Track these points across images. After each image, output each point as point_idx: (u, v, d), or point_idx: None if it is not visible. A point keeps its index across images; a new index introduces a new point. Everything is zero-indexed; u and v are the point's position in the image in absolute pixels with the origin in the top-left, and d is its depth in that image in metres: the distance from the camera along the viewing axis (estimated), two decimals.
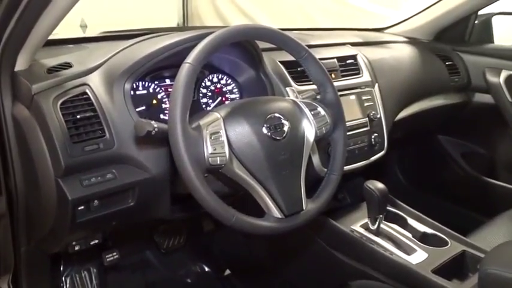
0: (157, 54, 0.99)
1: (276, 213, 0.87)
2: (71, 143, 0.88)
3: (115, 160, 0.93)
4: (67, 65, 1.00)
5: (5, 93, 0.94)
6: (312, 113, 0.97)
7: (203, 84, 1.21)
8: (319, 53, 1.27)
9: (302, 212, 0.91)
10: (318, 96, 1.06)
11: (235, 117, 0.87)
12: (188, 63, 0.82)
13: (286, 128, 0.91)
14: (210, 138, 0.83)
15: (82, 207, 0.92)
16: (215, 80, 1.23)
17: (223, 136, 0.84)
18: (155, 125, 0.85)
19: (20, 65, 0.95)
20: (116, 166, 0.94)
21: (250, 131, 0.87)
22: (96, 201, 0.93)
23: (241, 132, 0.86)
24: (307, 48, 0.99)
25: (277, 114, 0.91)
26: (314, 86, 1.13)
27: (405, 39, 1.83)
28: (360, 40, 1.61)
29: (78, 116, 0.91)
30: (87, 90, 0.94)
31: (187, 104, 0.81)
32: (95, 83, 0.96)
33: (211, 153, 0.82)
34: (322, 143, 1.16)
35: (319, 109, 0.98)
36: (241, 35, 0.93)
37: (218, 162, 0.83)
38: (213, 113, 0.88)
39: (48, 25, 0.89)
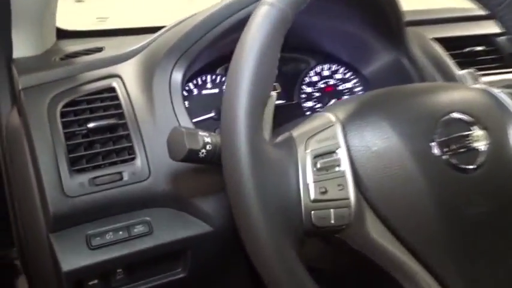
0: (221, 17, 0.58)
1: None
2: (68, 172, 0.50)
3: (150, 201, 0.54)
4: (96, 50, 0.65)
5: (2, 91, 0.61)
6: None
7: (306, 79, 0.78)
8: None
9: None
10: None
11: (371, 121, 0.42)
12: (268, 3, 0.40)
13: (481, 145, 0.42)
14: (315, 165, 0.38)
15: (94, 281, 0.53)
16: (326, 73, 0.79)
17: (345, 162, 0.39)
18: (208, 139, 0.43)
19: (22, 50, 0.62)
20: (152, 212, 0.54)
21: (405, 149, 0.40)
22: (120, 271, 0.54)
23: (385, 152, 0.40)
24: None
25: (459, 115, 0.43)
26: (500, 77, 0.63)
27: None
28: None
29: (91, 125, 0.53)
30: (116, 85, 0.57)
31: (264, 88, 0.38)
32: (130, 74, 0.59)
33: (316, 200, 0.37)
34: None
35: None
36: None
37: (333, 220, 0.37)
38: (322, 115, 0.44)
39: None
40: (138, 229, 0.53)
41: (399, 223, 0.39)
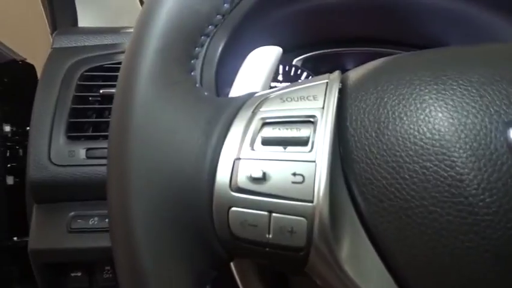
0: None
1: None
2: (61, 137, 0.44)
3: None
4: None
5: None
6: None
7: None
8: None
9: None
10: None
11: (399, 84, 0.23)
12: None
13: None
14: (259, 134, 0.22)
15: (77, 273, 0.45)
16: None
17: (323, 139, 0.21)
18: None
19: (91, 20, 0.60)
20: None
21: (452, 134, 0.20)
22: (108, 269, 0.45)
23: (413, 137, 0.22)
24: None
25: None
26: None
27: None
28: None
29: (103, 91, 0.47)
30: None
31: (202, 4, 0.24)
32: None
33: (242, 190, 0.21)
34: None
35: None
36: None
37: (270, 234, 0.21)
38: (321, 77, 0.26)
39: None
40: None
41: (418, 272, 0.20)
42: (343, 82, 0.24)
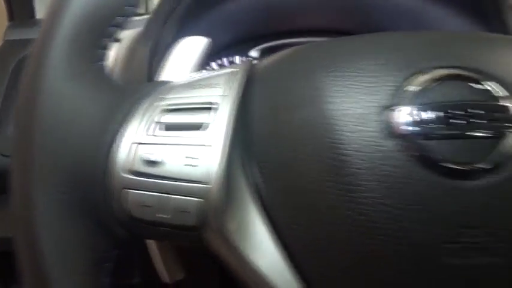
0: None
1: None
2: (8, 130, 0.44)
3: None
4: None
5: None
6: None
7: None
8: None
9: None
10: None
11: (298, 70, 0.24)
12: None
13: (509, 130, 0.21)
14: (157, 120, 0.23)
15: None
16: None
17: (220, 123, 0.22)
18: None
19: None
20: None
21: (342, 116, 0.21)
22: None
23: (307, 119, 0.22)
24: None
25: (461, 72, 0.21)
26: None
27: None
28: None
29: None
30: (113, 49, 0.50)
31: None
32: (126, 40, 0.51)
33: (138, 173, 0.22)
34: None
35: None
36: None
37: (168, 215, 0.21)
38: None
39: None
40: None
41: (307, 247, 0.21)
42: (252, 71, 0.25)
